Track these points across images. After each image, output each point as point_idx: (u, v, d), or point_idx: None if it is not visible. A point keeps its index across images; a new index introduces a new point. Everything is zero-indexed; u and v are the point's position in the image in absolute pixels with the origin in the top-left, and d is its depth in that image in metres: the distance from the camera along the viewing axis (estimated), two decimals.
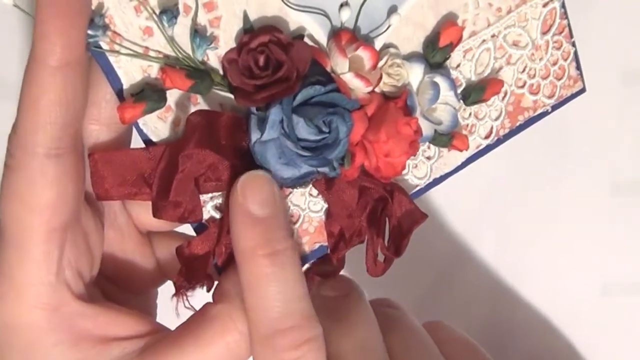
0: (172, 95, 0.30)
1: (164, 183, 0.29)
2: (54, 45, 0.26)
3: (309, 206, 0.33)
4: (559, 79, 0.37)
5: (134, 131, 0.30)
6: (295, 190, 0.33)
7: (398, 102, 0.32)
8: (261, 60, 0.29)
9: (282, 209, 0.30)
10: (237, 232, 0.30)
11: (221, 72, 0.30)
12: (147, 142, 0.30)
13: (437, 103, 0.33)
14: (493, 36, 0.35)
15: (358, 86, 0.31)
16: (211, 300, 0.32)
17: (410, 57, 0.33)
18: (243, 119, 0.30)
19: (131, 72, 0.29)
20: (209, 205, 0.32)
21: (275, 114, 0.29)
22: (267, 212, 0.29)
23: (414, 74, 0.33)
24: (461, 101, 0.35)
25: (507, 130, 0.37)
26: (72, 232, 0.29)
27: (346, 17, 0.31)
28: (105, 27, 0.27)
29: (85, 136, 0.30)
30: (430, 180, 0.36)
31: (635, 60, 0.47)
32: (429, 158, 0.36)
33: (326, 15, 0.31)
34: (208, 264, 0.32)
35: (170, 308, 0.32)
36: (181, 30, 0.29)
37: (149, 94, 0.28)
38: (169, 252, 0.35)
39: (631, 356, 0.50)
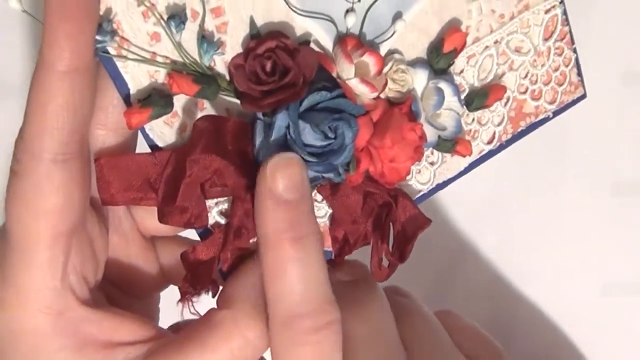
0: (179, 101, 0.30)
1: (170, 188, 0.29)
2: (62, 51, 0.26)
3: None
4: (561, 85, 0.38)
5: (140, 136, 0.31)
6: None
7: (403, 107, 0.32)
8: (268, 65, 0.29)
9: (310, 194, 0.30)
10: (264, 215, 0.29)
11: (228, 77, 0.30)
12: (153, 147, 0.30)
13: (441, 109, 0.33)
14: (496, 42, 0.35)
15: (364, 92, 0.31)
16: (215, 306, 0.32)
17: (414, 63, 0.33)
18: (249, 125, 0.30)
19: (138, 77, 0.29)
20: (214, 211, 0.32)
21: (281, 119, 0.29)
22: (296, 197, 0.29)
23: (419, 79, 0.33)
24: (464, 107, 0.35)
25: (509, 136, 0.37)
26: (77, 238, 0.29)
27: (352, 22, 0.31)
28: (114, 33, 0.27)
29: (91, 141, 0.30)
30: (434, 185, 0.36)
31: (635, 61, 0.47)
32: (432, 164, 0.36)
33: (332, 21, 0.31)
34: (213, 269, 0.32)
35: (173, 313, 0.32)
36: (188, 35, 0.29)
37: (155, 100, 0.28)
38: (173, 256, 0.35)
39: (631, 356, 0.50)
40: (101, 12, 0.27)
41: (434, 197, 0.48)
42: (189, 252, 0.32)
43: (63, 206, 0.28)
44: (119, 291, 0.34)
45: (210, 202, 0.31)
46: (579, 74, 0.38)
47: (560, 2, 0.36)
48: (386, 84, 0.32)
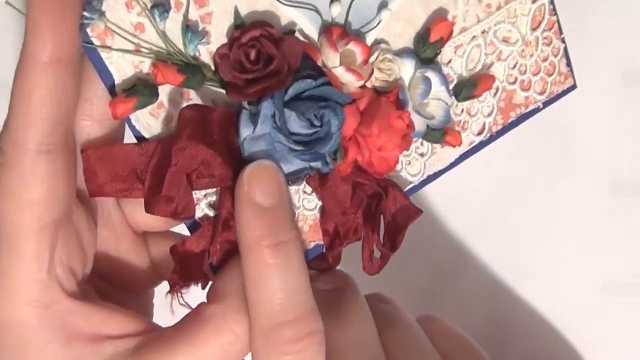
0: (165, 92, 0.30)
1: (157, 178, 0.29)
2: (45, 42, 0.26)
3: (303, 204, 0.33)
4: (550, 76, 0.38)
5: (127, 129, 0.30)
6: (289, 188, 0.33)
7: (390, 96, 0.32)
8: (252, 54, 0.29)
9: (288, 200, 0.30)
10: (243, 222, 0.29)
11: (213, 67, 0.30)
12: (140, 138, 0.30)
13: (429, 98, 0.33)
14: (483, 32, 0.35)
15: (350, 80, 0.31)
16: (206, 300, 0.32)
17: (401, 53, 0.33)
18: (235, 116, 0.30)
19: (123, 67, 0.29)
20: (203, 203, 0.32)
21: (267, 108, 0.29)
22: (273, 203, 0.29)
23: (406, 69, 0.33)
24: (453, 97, 0.35)
25: (499, 127, 0.37)
26: (63, 230, 0.29)
27: (337, 12, 0.31)
28: (102, 13, 0.27)
29: (77, 133, 0.30)
30: (424, 177, 0.36)
31: (635, 61, 0.47)
32: (422, 155, 0.36)
33: (317, 11, 0.31)
34: (203, 263, 0.32)
35: (167, 309, 0.32)
36: (173, 25, 0.29)
37: (141, 90, 0.28)
38: (165, 252, 0.35)
39: (631, 356, 0.50)
40: None
41: (433, 196, 0.48)
42: (179, 246, 0.31)
43: (48, 197, 0.28)
44: (111, 287, 0.34)
45: (199, 195, 0.31)
46: (569, 64, 0.38)
47: None
48: (372, 73, 0.32)
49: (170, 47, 0.29)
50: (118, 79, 0.29)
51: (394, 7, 0.32)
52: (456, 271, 0.49)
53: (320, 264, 0.35)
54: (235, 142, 0.30)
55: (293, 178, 0.32)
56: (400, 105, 0.32)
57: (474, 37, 0.35)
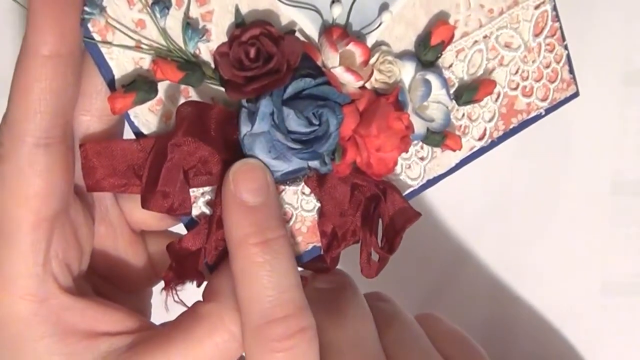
0: (164, 89, 0.30)
1: (153, 174, 0.29)
2: (46, 35, 0.27)
3: (301, 205, 0.33)
4: (552, 82, 0.38)
5: (126, 126, 0.31)
6: (287, 188, 0.33)
7: (389, 97, 0.32)
8: (252, 52, 0.29)
9: (275, 198, 0.30)
10: (229, 221, 0.30)
11: (213, 65, 0.30)
12: (138, 134, 0.30)
13: (429, 101, 0.33)
14: (485, 37, 0.35)
15: (349, 80, 0.31)
16: (201, 297, 0.32)
17: (402, 56, 0.33)
18: (234, 113, 0.30)
19: (123, 63, 0.29)
20: (200, 201, 0.32)
21: (265, 105, 0.29)
22: (260, 201, 0.29)
23: (406, 71, 0.33)
24: (454, 101, 0.35)
25: (500, 133, 0.37)
26: (60, 224, 0.29)
27: (337, 13, 0.31)
28: (103, 8, 0.27)
29: (75, 127, 0.30)
30: (424, 181, 0.36)
31: (636, 61, 0.47)
32: (422, 159, 0.35)
33: (317, 11, 0.31)
34: (199, 261, 0.32)
35: (164, 307, 0.32)
36: (173, 23, 0.29)
37: (140, 85, 0.29)
38: (163, 251, 0.35)
39: (631, 356, 0.50)
40: None
41: (432, 193, 0.48)
42: (175, 243, 0.31)
43: (45, 191, 0.28)
44: (108, 284, 0.34)
45: (196, 192, 0.31)
46: (571, 71, 0.38)
47: None
48: (372, 73, 0.32)
49: (171, 43, 0.29)
50: (117, 74, 0.29)
51: (395, 9, 0.32)
52: (456, 271, 0.49)
53: (317, 266, 0.35)
54: (233, 140, 0.30)
55: (291, 178, 0.32)
56: (400, 106, 0.32)
57: (476, 42, 0.35)
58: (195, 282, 0.31)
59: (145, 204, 0.29)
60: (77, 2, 0.27)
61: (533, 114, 0.38)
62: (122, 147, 0.30)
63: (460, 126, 0.36)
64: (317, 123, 0.30)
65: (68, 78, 0.28)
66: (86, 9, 0.27)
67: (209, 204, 0.32)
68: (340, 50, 0.31)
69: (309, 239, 0.34)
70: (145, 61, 0.29)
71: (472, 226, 0.49)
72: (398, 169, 0.35)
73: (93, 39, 0.28)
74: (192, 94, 0.30)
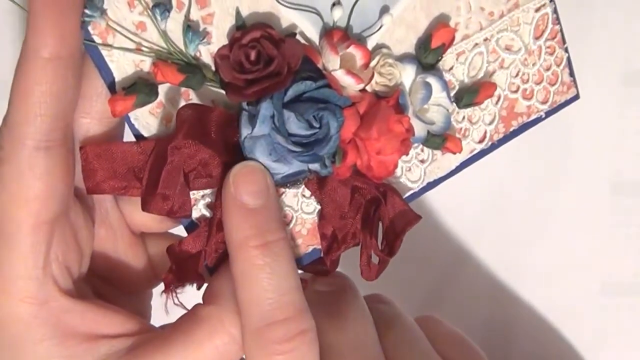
0: (165, 91, 0.30)
1: (154, 176, 0.29)
2: (46, 38, 0.27)
3: (301, 207, 0.33)
4: (553, 85, 0.38)
5: (126, 128, 0.31)
6: (288, 191, 0.33)
7: (390, 100, 0.32)
8: (252, 55, 0.29)
9: (275, 200, 0.30)
10: (229, 223, 0.29)
11: (213, 68, 0.30)
12: (139, 137, 0.30)
13: (429, 104, 0.33)
14: (486, 40, 0.35)
15: (349, 83, 0.31)
16: (201, 300, 0.32)
17: (402, 58, 0.33)
18: (234, 116, 0.30)
19: (123, 65, 0.29)
20: (201, 204, 0.32)
21: (266, 108, 0.29)
22: (260, 203, 0.29)
23: (407, 74, 0.33)
24: (454, 104, 0.35)
25: (501, 135, 0.37)
26: (60, 227, 0.29)
27: (338, 16, 0.31)
28: (103, 11, 0.27)
29: (76, 129, 0.30)
30: (424, 184, 0.36)
31: (635, 61, 0.47)
32: (422, 161, 0.35)
33: (318, 14, 0.31)
34: (199, 263, 0.32)
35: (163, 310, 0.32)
36: (174, 25, 0.29)
37: (140, 88, 0.29)
38: (163, 254, 0.35)
39: (631, 356, 0.50)
40: None
41: (435, 197, 0.48)
42: (175, 245, 0.31)
43: (45, 194, 0.28)
44: (108, 286, 0.34)
45: (197, 195, 0.31)
46: (572, 74, 0.38)
47: (551, 1, 0.36)
48: (372, 76, 0.32)
49: (171, 46, 0.29)
50: (118, 77, 0.29)
51: (395, 12, 0.32)
52: (456, 271, 0.49)
53: (318, 268, 0.35)
54: (233, 143, 0.30)
55: (292, 180, 0.32)
56: (400, 109, 0.32)
57: (476, 44, 0.35)
58: (195, 285, 0.31)
59: (145, 207, 0.29)
60: (78, 5, 0.27)
61: (533, 117, 0.38)
62: (123, 149, 0.30)
63: (461, 129, 0.36)
64: (317, 126, 0.30)
65: (68, 81, 0.28)
66: (87, 11, 0.27)
67: (209, 206, 0.32)
68: (341, 53, 0.31)
69: (309, 242, 0.34)
70: (146, 64, 0.29)
71: (472, 227, 0.49)
72: (398, 171, 0.35)
73: (93, 41, 0.28)
74: (193, 97, 0.30)
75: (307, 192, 0.33)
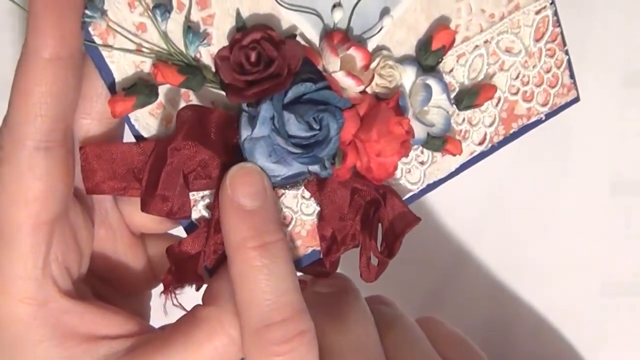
0: (165, 92, 0.30)
1: (154, 177, 0.29)
2: (46, 38, 0.27)
3: (301, 209, 0.33)
4: (553, 87, 0.38)
5: (126, 129, 0.31)
6: (287, 192, 0.33)
7: (390, 102, 0.32)
8: (253, 56, 0.29)
9: (272, 202, 0.30)
10: (227, 225, 0.30)
11: (213, 69, 0.30)
12: (138, 137, 0.30)
13: (429, 106, 0.33)
14: (486, 42, 0.35)
15: (349, 85, 0.31)
16: (201, 301, 0.32)
17: (403, 60, 0.33)
18: (234, 117, 0.30)
19: (124, 66, 0.29)
20: (200, 205, 0.32)
21: (266, 110, 0.29)
22: (257, 205, 0.30)
23: (407, 76, 0.33)
24: (454, 106, 0.35)
25: (501, 137, 0.37)
26: (59, 227, 0.29)
27: (339, 17, 0.31)
28: (104, 12, 0.27)
29: (76, 130, 0.30)
30: (424, 186, 0.36)
31: (636, 62, 0.47)
32: (422, 163, 0.35)
33: (318, 15, 0.31)
34: (198, 264, 0.32)
35: (169, 313, 0.32)
36: (174, 26, 0.29)
37: (140, 88, 0.29)
38: (162, 255, 0.35)
39: (631, 356, 0.50)
40: None
41: (435, 198, 0.48)
42: (175, 246, 0.31)
43: (45, 194, 0.28)
44: (108, 287, 0.34)
45: (196, 196, 0.31)
46: (572, 76, 0.38)
47: (551, 3, 0.36)
48: (373, 78, 0.32)
49: (171, 47, 0.29)
50: (118, 78, 0.29)
51: (396, 14, 0.32)
52: (456, 272, 0.49)
53: (317, 270, 0.35)
54: (233, 144, 0.30)
55: (291, 182, 0.32)
56: (400, 111, 0.32)
57: (477, 47, 0.35)
58: (194, 286, 0.31)
59: (144, 208, 0.29)
60: (78, 5, 0.27)
61: (533, 119, 0.38)
62: (122, 150, 0.30)
63: (461, 131, 0.36)
64: (317, 127, 0.30)
65: (69, 81, 0.28)
66: (87, 12, 0.27)
67: (208, 207, 0.32)
68: (341, 55, 0.31)
69: (308, 243, 0.34)
70: (146, 64, 0.29)
71: (472, 228, 0.49)
72: (398, 173, 0.35)
73: (94, 42, 0.28)
74: (193, 98, 0.30)
75: (307, 194, 0.33)
